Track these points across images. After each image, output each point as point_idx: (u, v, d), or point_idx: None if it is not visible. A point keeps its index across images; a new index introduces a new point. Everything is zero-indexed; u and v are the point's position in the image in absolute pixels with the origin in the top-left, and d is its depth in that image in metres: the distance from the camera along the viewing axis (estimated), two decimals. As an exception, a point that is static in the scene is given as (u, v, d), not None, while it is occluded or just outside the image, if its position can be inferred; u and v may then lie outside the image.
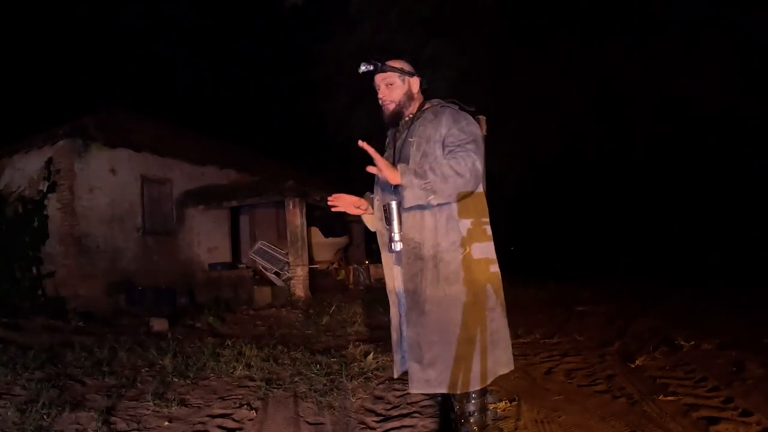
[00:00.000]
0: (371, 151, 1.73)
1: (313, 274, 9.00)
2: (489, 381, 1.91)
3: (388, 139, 2.16)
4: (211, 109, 21.15)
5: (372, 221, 2.21)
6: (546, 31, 8.84)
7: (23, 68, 18.45)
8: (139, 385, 3.26)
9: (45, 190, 7.78)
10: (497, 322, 1.95)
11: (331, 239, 10.40)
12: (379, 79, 2.03)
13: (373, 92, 2.11)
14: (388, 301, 2.20)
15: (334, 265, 10.49)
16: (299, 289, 8.28)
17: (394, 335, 2.10)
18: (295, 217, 8.64)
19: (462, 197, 1.86)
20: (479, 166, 1.80)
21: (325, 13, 10.00)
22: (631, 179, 13.70)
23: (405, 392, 2.91)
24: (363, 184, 2.38)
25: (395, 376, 2.15)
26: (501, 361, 1.95)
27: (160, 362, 3.77)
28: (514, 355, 2.08)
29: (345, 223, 11.49)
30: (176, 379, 3.33)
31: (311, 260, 9.33)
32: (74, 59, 19.72)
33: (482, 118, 2.02)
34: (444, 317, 1.86)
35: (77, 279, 7.49)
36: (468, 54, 8.65)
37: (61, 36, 19.31)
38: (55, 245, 7.73)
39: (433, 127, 1.92)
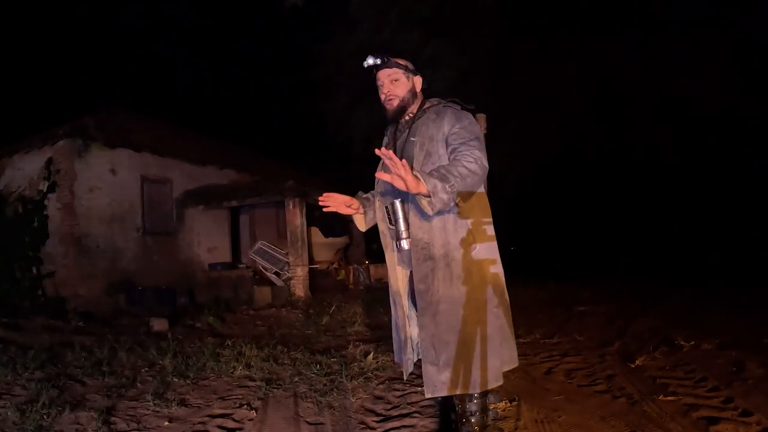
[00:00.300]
0: (392, 155, 1.57)
1: (313, 274, 9.00)
2: (498, 383, 1.90)
3: (386, 139, 2.15)
4: (211, 109, 21.17)
5: (362, 221, 2.20)
6: (546, 31, 8.84)
7: (23, 68, 18.47)
8: (139, 385, 3.26)
9: (45, 190, 7.78)
10: (502, 320, 1.95)
11: (331, 239, 10.40)
12: (384, 75, 2.02)
13: (373, 92, 2.11)
14: (388, 300, 2.20)
15: (334, 265, 10.49)
16: (299, 289, 8.28)
17: (402, 335, 2.09)
18: (295, 217, 8.64)
19: (468, 197, 1.86)
20: (485, 162, 1.80)
21: (325, 13, 10.01)
22: (631, 179, 13.69)
23: (405, 392, 2.91)
24: (363, 184, 2.38)
25: (405, 378, 2.14)
26: (506, 359, 1.95)
27: (160, 362, 3.77)
28: (513, 355, 2.08)
29: (345, 223, 11.48)
30: (176, 379, 3.33)
31: (311, 260, 9.33)
32: (74, 59, 19.75)
33: (481, 115, 2.03)
34: (457, 316, 1.86)
35: (77, 279, 7.49)
36: (468, 54, 8.65)
37: (61, 36, 19.32)
38: (55, 245, 7.73)
39: (436, 126, 1.93)
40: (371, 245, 13.26)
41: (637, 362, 3.39)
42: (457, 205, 1.82)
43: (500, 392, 2.79)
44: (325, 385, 3.09)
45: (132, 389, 3.16)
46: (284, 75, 20.30)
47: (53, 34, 19.31)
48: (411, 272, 1.99)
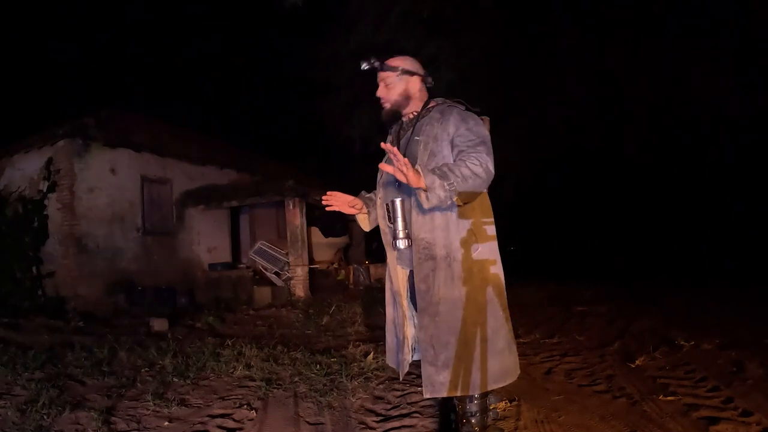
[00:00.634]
0: (395, 151, 1.63)
1: (313, 274, 9.01)
2: (497, 385, 1.90)
3: (390, 137, 2.14)
4: (211, 109, 21.15)
5: (366, 221, 2.19)
6: (546, 31, 8.84)
7: (23, 68, 18.46)
8: (139, 385, 3.26)
9: (45, 190, 7.78)
10: (506, 325, 1.95)
11: (331, 239, 10.40)
12: (380, 77, 2.04)
13: (373, 91, 2.12)
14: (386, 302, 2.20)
15: (334, 265, 10.49)
16: (299, 289, 8.28)
17: (398, 335, 2.08)
18: (295, 217, 8.64)
19: (471, 198, 1.85)
20: (491, 167, 1.79)
21: (325, 13, 10.01)
22: (631, 179, 13.70)
23: (405, 392, 2.91)
24: (363, 184, 2.38)
25: (401, 378, 2.14)
26: (509, 366, 1.95)
27: (160, 362, 3.77)
28: (514, 355, 2.08)
29: (345, 223, 11.49)
30: (176, 379, 3.33)
31: (311, 260, 9.34)
32: (74, 59, 19.75)
33: (486, 118, 2.02)
34: (458, 317, 1.85)
35: (77, 279, 7.49)
36: (468, 54, 8.65)
37: (61, 36, 19.31)
38: (55, 245, 7.73)
39: (441, 126, 1.91)
40: (371, 245, 13.27)
41: (637, 362, 3.40)
42: (457, 204, 1.81)
43: (500, 392, 2.79)
44: (325, 385, 3.09)
45: (132, 389, 3.16)
46: (284, 75, 20.29)
47: (53, 34, 19.33)
48: (411, 272, 1.99)
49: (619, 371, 3.26)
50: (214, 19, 25.53)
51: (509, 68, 9.18)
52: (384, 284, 2.24)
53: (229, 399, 2.93)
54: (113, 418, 2.62)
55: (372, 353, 3.76)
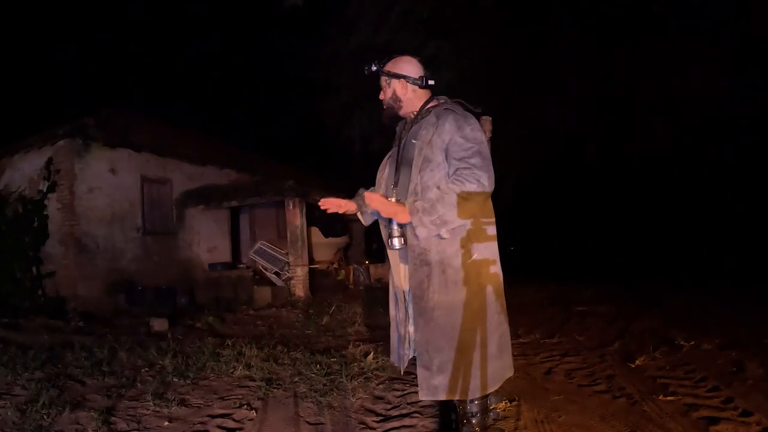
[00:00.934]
0: (374, 199, 1.90)
1: (313, 274, 9.00)
2: (496, 386, 1.92)
3: (396, 135, 2.18)
4: (211, 109, 21.15)
5: (363, 218, 2.25)
6: (546, 31, 8.84)
7: (23, 68, 18.46)
8: (139, 385, 3.25)
9: (45, 190, 7.78)
10: (503, 326, 1.96)
11: (331, 239, 10.40)
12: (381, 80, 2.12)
13: (373, 91, 2.16)
14: (388, 300, 2.21)
15: (334, 265, 10.50)
16: (299, 289, 8.28)
17: (400, 331, 2.11)
18: (295, 217, 8.64)
19: (482, 204, 1.90)
20: (485, 180, 1.80)
21: (325, 13, 10.01)
22: (631, 179, 13.70)
23: (405, 392, 2.91)
24: (363, 184, 2.38)
25: (402, 372, 2.16)
26: (506, 365, 1.97)
27: (160, 362, 3.77)
28: (513, 355, 2.10)
29: (345, 223, 11.49)
30: (176, 379, 3.33)
31: (311, 260, 9.33)
32: (74, 59, 19.75)
33: (487, 118, 2.02)
34: (452, 323, 1.86)
35: (77, 279, 7.49)
36: (468, 54, 8.65)
37: (61, 36, 19.31)
38: (55, 245, 7.73)
39: (436, 131, 1.91)
40: (371, 245, 13.27)
41: (637, 362, 3.40)
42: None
43: (500, 392, 2.79)
44: (325, 385, 3.09)
45: (132, 389, 3.16)
46: (284, 75, 20.28)
47: (53, 34, 19.33)
48: None
49: (619, 371, 3.26)
50: (214, 19, 25.54)
51: (509, 68, 9.19)
52: (384, 283, 2.26)
53: (229, 399, 2.93)
54: (113, 418, 2.62)
55: (372, 353, 3.76)
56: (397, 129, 2.18)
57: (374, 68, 2.06)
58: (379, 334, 4.86)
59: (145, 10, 22.09)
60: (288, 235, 8.75)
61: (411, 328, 2.06)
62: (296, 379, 3.26)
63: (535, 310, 6.33)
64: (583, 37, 8.63)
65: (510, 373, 1.99)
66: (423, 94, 2.07)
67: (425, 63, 2.10)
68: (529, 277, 9.99)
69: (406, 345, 2.08)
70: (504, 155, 9.10)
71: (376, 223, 2.22)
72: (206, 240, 9.71)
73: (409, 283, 1.96)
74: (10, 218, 7.94)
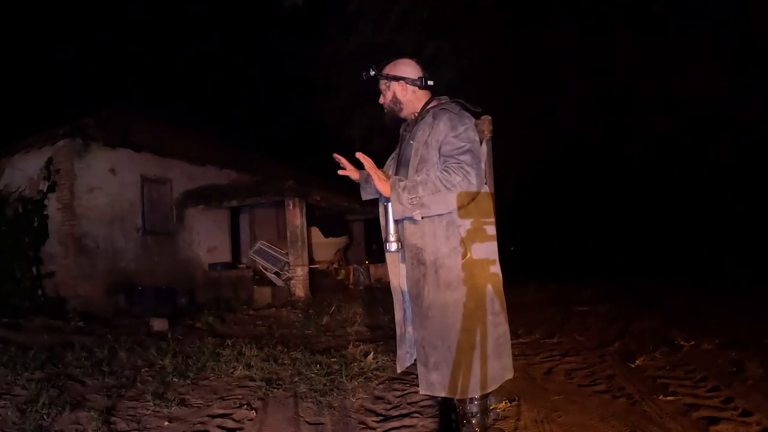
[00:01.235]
0: (367, 161, 1.88)
1: (313, 274, 9.00)
2: (492, 388, 1.92)
3: (400, 137, 2.19)
4: (211, 109, 21.15)
5: (363, 193, 2.29)
6: (546, 32, 8.83)
7: (23, 68, 18.46)
8: (139, 385, 3.25)
9: (45, 190, 7.78)
10: (502, 326, 1.96)
11: (331, 239, 10.41)
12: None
13: (373, 92, 2.17)
14: (388, 300, 2.23)
15: (334, 265, 10.50)
16: (299, 289, 8.28)
17: (399, 330, 2.14)
18: (295, 217, 8.64)
19: (466, 203, 1.86)
20: (472, 178, 1.79)
21: (325, 13, 10.00)
22: (631, 179, 13.70)
23: (405, 392, 2.91)
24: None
25: (398, 371, 2.18)
26: (506, 366, 1.97)
27: (160, 362, 3.77)
28: (513, 355, 2.10)
29: (345, 223, 11.50)
30: (176, 379, 3.33)
31: (311, 260, 9.33)
32: (74, 59, 19.75)
33: (487, 117, 2.02)
34: (446, 322, 1.87)
35: (77, 279, 7.49)
36: (468, 54, 8.64)
37: (61, 36, 19.31)
38: (55, 245, 7.73)
39: (431, 131, 1.93)
40: (371, 245, 13.28)
41: (637, 362, 3.40)
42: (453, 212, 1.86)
43: (500, 392, 2.80)
44: (325, 385, 3.09)
45: (132, 389, 3.16)
46: (284, 75, 20.28)
47: (53, 34, 19.32)
48: None
49: (619, 371, 3.26)
50: (214, 19, 25.54)
51: (509, 68, 9.18)
52: (384, 283, 2.28)
53: (229, 399, 2.93)
54: (113, 418, 2.62)
55: (372, 353, 3.76)
56: (400, 130, 2.20)
57: (372, 73, 2.07)
58: (379, 334, 4.87)
59: (145, 10, 22.10)
60: (288, 235, 8.75)
61: (410, 328, 2.08)
62: (296, 379, 3.26)
63: (535, 310, 6.33)
64: (583, 37, 8.62)
65: (510, 375, 1.98)
66: (423, 95, 2.07)
67: (423, 63, 2.11)
68: (529, 277, 9.99)
69: (406, 344, 2.10)
70: (504, 155, 9.10)
71: (376, 223, 2.23)
72: (206, 240, 9.71)
73: (407, 283, 1.99)
74: (10, 218, 7.94)
